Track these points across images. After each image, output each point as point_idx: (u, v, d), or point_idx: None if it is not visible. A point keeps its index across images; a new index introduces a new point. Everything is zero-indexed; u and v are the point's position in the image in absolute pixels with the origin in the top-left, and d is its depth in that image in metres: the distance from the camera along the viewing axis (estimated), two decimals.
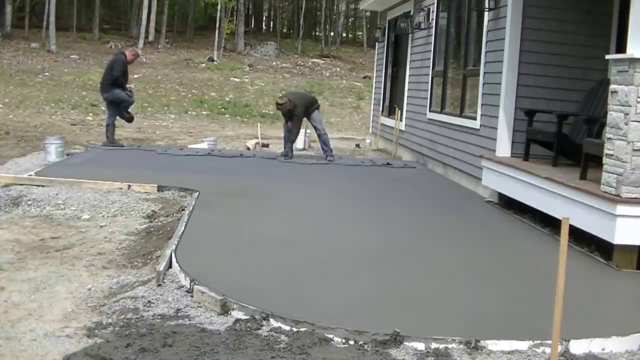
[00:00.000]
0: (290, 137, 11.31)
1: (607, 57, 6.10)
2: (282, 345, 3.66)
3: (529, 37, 7.89)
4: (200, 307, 4.20)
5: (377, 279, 4.84)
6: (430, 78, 11.11)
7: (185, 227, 5.88)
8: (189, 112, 22.21)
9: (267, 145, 14.17)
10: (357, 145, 15.49)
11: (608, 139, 5.58)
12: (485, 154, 8.20)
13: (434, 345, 3.70)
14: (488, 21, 8.62)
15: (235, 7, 34.69)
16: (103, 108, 20.72)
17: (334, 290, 4.53)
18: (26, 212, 7.03)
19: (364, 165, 11.06)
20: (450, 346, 3.70)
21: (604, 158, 5.63)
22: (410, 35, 12.38)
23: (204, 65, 30.29)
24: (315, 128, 11.47)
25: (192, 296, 4.36)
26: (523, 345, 3.75)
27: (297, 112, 11.01)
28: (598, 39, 7.83)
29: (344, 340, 3.72)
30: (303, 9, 38.88)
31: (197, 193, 7.53)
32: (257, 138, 14.38)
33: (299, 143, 13.87)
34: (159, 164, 9.89)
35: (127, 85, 11.68)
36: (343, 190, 8.66)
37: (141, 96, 23.37)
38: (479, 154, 8.36)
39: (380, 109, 14.98)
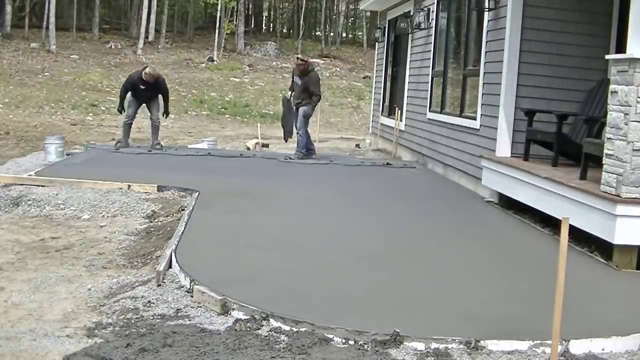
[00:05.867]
0: (299, 125, 10.63)
1: (607, 57, 6.10)
2: (282, 345, 3.65)
3: (529, 37, 7.89)
4: (200, 307, 4.20)
5: (377, 278, 4.83)
6: (430, 78, 11.11)
7: (185, 227, 5.88)
8: (189, 112, 22.21)
9: (267, 145, 14.17)
10: (357, 146, 15.50)
11: (608, 139, 5.58)
12: (485, 154, 8.19)
13: (434, 345, 3.70)
14: (488, 21, 8.61)
15: (235, 7, 34.68)
16: (103, 108, 20.82)
17: (334, 290, 4.53)
18: (26, 212, 7.03)
19: (364, 165, 11.06)
20: (450, 346, 3.70)
21: (604, 158, 5.63)
22: (410, 35, 12.37)
23: (203, 65, 30.29)
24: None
25: (192, 296, 4.36)
26: (523, 345, 3.74)
27: (312, 79, 10.58)
28: (598, 39, 7.83)
29: (344, 340, 3.72)
30: (303, 9, 38.88)
31: (197, 193, 7.53)
32: (257, 138, 14.37)
33: None
34: (159, 164, 9.89)
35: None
36: (343, 190, 8.66)
37: None
38: (479, 154, 8.36)
39: (380, 109, 14.97)
